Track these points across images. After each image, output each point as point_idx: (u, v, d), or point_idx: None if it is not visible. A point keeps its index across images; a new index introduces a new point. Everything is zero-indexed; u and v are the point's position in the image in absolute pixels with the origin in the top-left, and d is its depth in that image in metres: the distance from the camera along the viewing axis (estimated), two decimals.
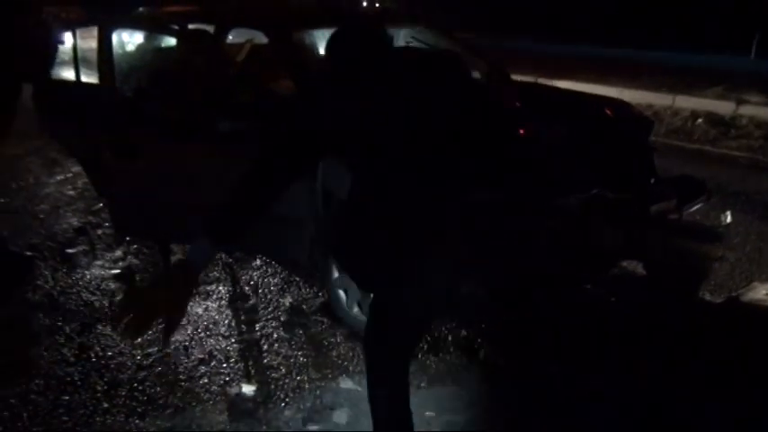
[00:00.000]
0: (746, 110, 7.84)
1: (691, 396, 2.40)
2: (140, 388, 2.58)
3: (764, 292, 3.12)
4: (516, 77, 3.90)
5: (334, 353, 2.81)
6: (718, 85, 8.79)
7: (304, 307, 3.20)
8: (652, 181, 2.96)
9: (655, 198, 2.80)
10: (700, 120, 7.77)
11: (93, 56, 3.34)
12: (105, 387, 2.58)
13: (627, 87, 9.27)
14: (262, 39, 3.53)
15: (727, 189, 5.11)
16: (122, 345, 2.86)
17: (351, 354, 2.78)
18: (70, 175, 5.21)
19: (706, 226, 3.34)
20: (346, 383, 2.58)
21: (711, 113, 7.88)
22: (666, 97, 8.68)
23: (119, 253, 3.79)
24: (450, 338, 2.88)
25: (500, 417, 2.39)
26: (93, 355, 2.80)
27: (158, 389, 2.57)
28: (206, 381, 2.63)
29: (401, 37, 3.81)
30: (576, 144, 2.69)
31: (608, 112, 3.11)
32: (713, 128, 7.50)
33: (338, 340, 2.89)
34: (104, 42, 3.21)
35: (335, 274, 2.94)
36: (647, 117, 3.46)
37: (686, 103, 8.39)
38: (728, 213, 3.03)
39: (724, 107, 8.03)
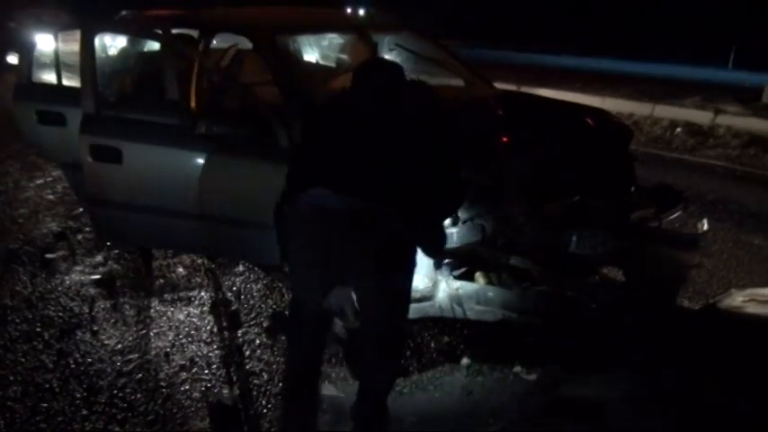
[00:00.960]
0: (724, 119, 8.00)
1: (666, 401, 2.43)
2: (120, 395, 2.55)
3: (741, 298, 3.17)
4: (500, 85, 3.95)
5: None
6: (697, 95, 8.96)
7: (287, 313, 3.19)
8: (632, 189, 3.01)
9: (634, 206, 2.84)
10: (679, 129, 7.91)
11: (76, 59, 3.31)
12: (84, 394, 2.55)
13: (609, 96, 9.42)
14: (246, 44, 3.53)
15: (706, 197, 5.21)
16: (102, 351, 2.83)
17: (333, 360, 2.78)
18: (50, 179, 5.16)
19: (684, 234, 3.40)
20: (329, 390, 2.58)
21: (690, 123, 8.03)
22: (646, 106, 8.83)
23: (99, 258, 3.75)
24: (432, 344, 2.89)
25: (481, 423, 2.40)
26: (72, 361, 2.76)
27: (139, 395, 2.55)
28: (187, 387, 2.61)
29: (385, 44, 3.83)
30: (558, 152, 2.73)
31: (589, 121, 3.16)
32: (692, 137, 7.64)
33: None
34: (87, 46, 3.18)
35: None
36: (627, 126, 3.51)
37: (665, 112, 8.54)
38: (705, 221, 3.09)
39: (702, 117, 8.19)
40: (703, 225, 3.01)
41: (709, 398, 2.41)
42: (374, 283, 2.01)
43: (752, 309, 3.03)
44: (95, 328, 3.02)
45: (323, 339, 2.28)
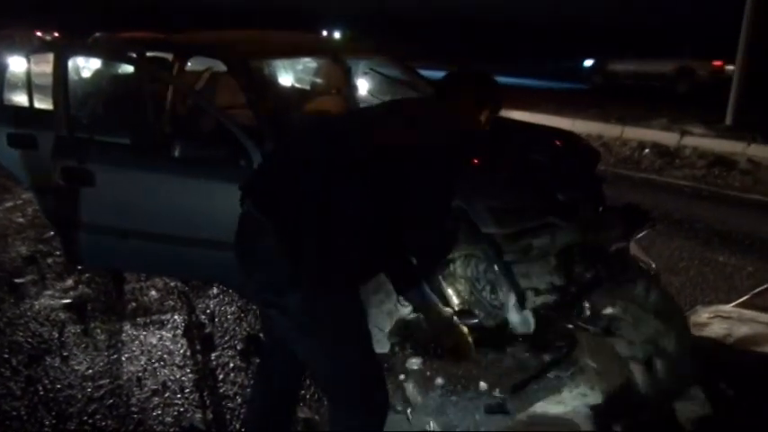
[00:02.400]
0: (689, 140, 8.25)
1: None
2: (90, 421, 2.51)
3: (707, 315, 3.26)
4: None
5: None
6: (663, 117, 9.23)
7: (261, 335, 3.17)
8: (600, 210, 3.08)
9: (602, 226, 2.91)
10: (646, 150, 8.13)
11: (48, 81, 3.30)
12: (53, 421, 2.50)
13: (579, 119, 9.64)
14: (221, 67, 3.56)
15: (673, 216, 5.35)
16: (72, 377, 2.78)
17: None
18: (20, 201, 5.08)
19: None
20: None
21: (657, 144, 8.27)
22: (616, 128, 9.06)
23: (70, 282, 3.70)
24: (405, 364, 2.90)
25: None
26: (41, 388, 2.71)
27: (109, 422, 2.51)
28: (159, 412, 2.58)
29: (359, 68, 3.90)
30: (527, 173, 2.79)
31: (557, 143, 3.24)
32: (659, 158, 7.85)
33: None
34: (60, 68, 3.18)
35: None
36: (594, 148, 3.61)
37: (634, 134, 8.78)
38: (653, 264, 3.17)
39: (669, 138, 8.43)
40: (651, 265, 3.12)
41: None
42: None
43: (717, 325, 3.12)
44: (65, 354, 2.97)
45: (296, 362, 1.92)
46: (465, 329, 1.88)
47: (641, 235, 3.16)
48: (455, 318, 1.87)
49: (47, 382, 2.75)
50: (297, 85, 4.04)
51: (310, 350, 1.77)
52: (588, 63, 16.06)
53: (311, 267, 1.64)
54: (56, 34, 17.23)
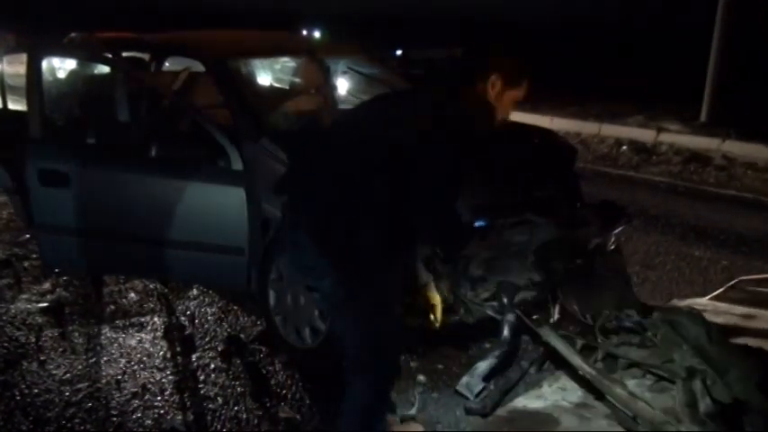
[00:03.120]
0: (666, 137, 8.38)
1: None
2: (69, 425, 2.48)
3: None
4: None
5: (272, 381, 2.79)
6: (639, 114, 9.36)
7: (242, 336, 3.17)
8: (577, 206, 3.12)
9: (580, 222, 2.95)
10: (624, 147, 8.23)
11: (22, 82, 3.25)
12: (31, 426, 2.46)
13: (557, 116, 9.73)
14: (200, 67, 3.54)
15: (649, 212, 5.43)
16: (50, 381, 2.75)
17: (289, 382, 2.77)
18: None
19: None
20: (285, 412, 2.57)
21: (634, 141, 8.38)
22: (593, 126, 9.15)
23: (47, 286, 3.65)
24: None
25: None
26: (17, 392, 2.67)
27: (88, 426, 2.48)
28: (139, 415, 2.55)
29: (340, 66, 3.90)
30: (506, 170, 2.82)
31: (535, 140, 3.28)
32: (636, 154, 7.96)
33: (276, 369, 2.88)
34: (34, 70, 3.13)
35: (273, 302, 2.93)
36: (572, 145, 3.66)
37: (611, 131, 8.88)
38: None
39: (646, 135, 8.55)
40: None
41: None
42: None
43: None
44: (42, 358, 2.93)
45: None
46: (438, 296, 2.23)
47: (617, 231, 3.21)
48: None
49: (24, 386, 2.71)
50: (276, 85, 4.03)
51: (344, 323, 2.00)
52: (398, 52, 17.45)
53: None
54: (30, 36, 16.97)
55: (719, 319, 3.11)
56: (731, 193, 6.47)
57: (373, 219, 1.84)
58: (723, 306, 3.29)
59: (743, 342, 2.88)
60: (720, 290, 3.55)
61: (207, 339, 3.14)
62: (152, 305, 3.48)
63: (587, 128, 9.13)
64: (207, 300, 3.53)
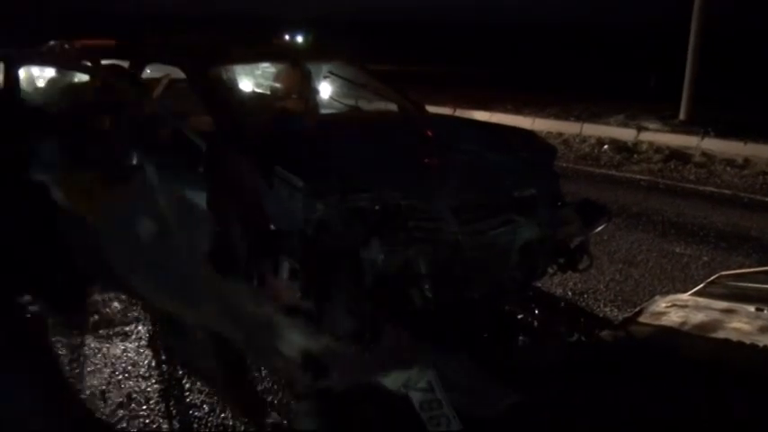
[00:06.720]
0: (646, 136, 8.49)
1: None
2: None
3: (665, 304, 3.37)
4: (436, 109, 4.10)
5: (258, 388, 2.78)
6: (619, 114, 9.47)
7: None
8: (558, 205, 3.15)
9: (560, 221, 2.98)
10: (606, 146, 8.32)
11: None
12: None
13: (539, 117, 9.82)
14: (180, 74, 3.52)
15: (631, 210, 5.50)
16: (32, 393, 2.71)
17: (275, 387, 2.76)
18: None
19: None
20: (272, 417, 2.56)
21: (615, 140, 8.47)
22: (575, 126, 9.24)
23: (27, 298, 3.61)
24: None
25: None
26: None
27: None
28: (125, 425, 2.53)
29: (321, 71, 3.91)
30: (485, 172, 2.84)
31: (513, 140, 3.30)
32: (618, 153, 8.05)
33: (262, 375, 2.87)
34: (10, 78, 3.11)
35: None
36: (551, 145, 3.69)
37: (593, 131, 8.97)
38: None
39: (626, 134, 8.66)
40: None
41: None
42: None
43: (674, 313, 3.22)
44: (26, 369, 2.90)
45: None
46: None
47: (598, 229, 3.25)
48: None
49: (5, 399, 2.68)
50: (257, 90, 4.02)
51: None
52: None
53: None
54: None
55: (701, 315, 3.16)
56: (710, 189, 6.56)
57: None
58: (704, 301, 3.34)
59: (723, 337, 2.93)
60: (701, 285, 3.60)
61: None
62: (136, 314, 3.45)
63: (569, 128, 9.22)
64: None
